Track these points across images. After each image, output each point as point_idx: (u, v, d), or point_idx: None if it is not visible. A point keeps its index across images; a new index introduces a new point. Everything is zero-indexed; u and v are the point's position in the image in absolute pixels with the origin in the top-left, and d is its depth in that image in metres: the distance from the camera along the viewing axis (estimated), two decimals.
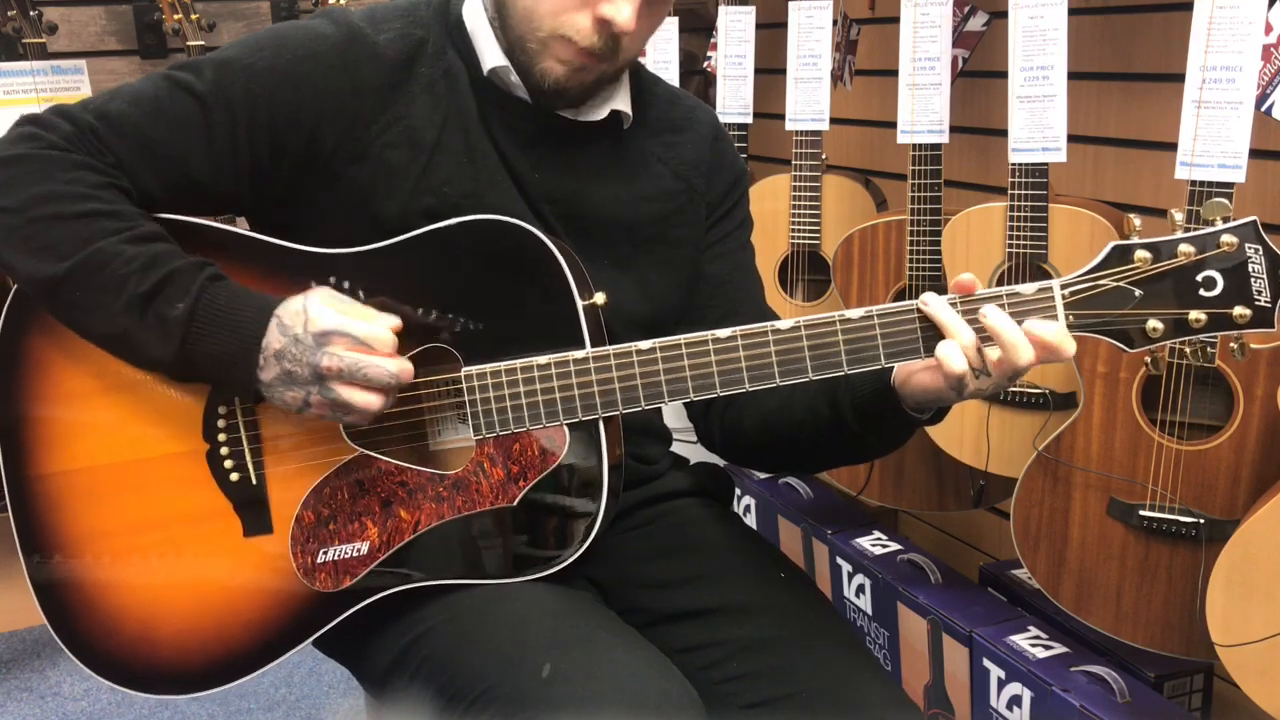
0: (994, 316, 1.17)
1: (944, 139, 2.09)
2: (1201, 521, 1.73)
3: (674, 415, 1.61)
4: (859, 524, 2.39)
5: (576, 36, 1.27)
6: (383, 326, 1.23)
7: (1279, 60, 1.61)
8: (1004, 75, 1.93)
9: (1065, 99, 1.88)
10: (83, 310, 1.24)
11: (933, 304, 1.18)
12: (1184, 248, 1.16)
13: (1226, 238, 1.15)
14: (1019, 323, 1.16)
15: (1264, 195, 1.88)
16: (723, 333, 1.23)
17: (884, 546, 2.29)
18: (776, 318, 1.37)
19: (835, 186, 2.42)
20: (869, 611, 2.24)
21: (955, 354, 1.17)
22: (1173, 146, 1.66)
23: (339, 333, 1.20)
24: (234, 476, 1.30)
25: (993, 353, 1.17)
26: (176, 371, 1.25)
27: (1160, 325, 1.17)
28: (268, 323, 1.22)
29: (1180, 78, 1.66)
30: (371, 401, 1.22)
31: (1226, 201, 1.38)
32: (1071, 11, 1.86)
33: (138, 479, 1.30)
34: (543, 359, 1.25)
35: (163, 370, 1.26)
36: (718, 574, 1.42)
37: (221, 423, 1.30)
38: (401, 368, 1.22)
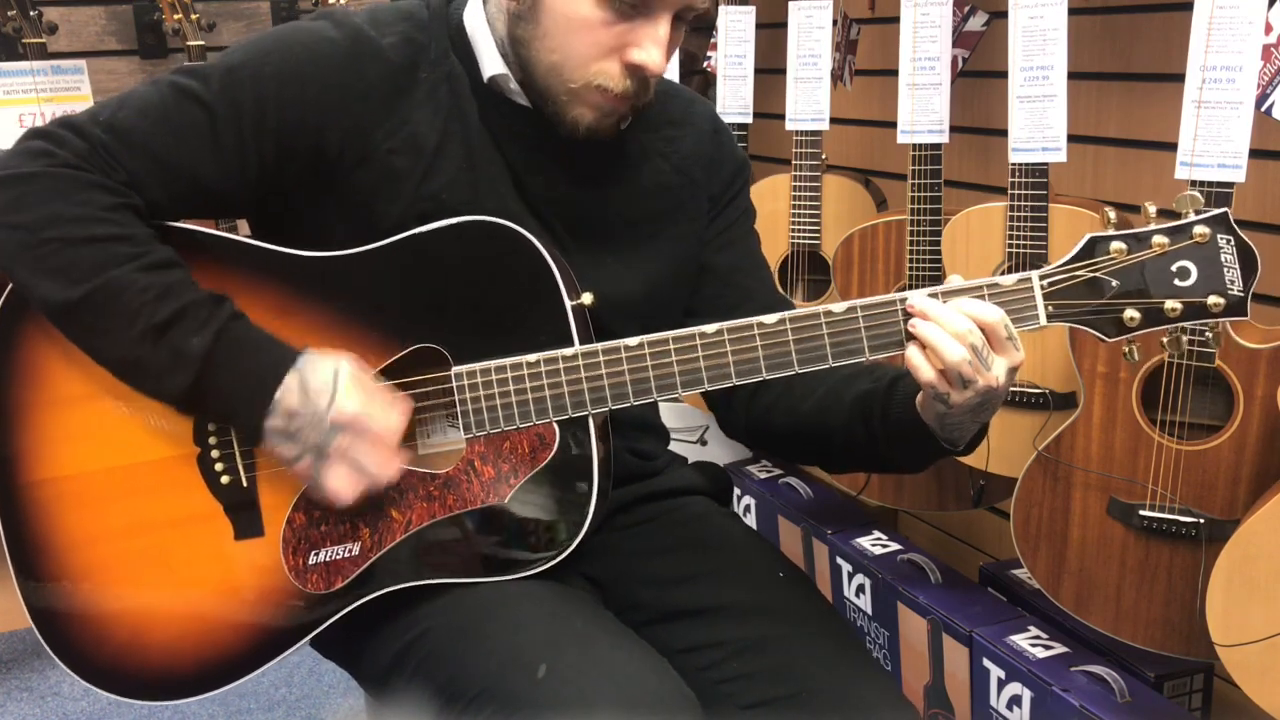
0: (921, 302, 1.19)
1: (944, 139, 2.09)
2: (1201, 521, 1.72)
3: (673, 415, 1.60)
4: (859, 524, 2.38)
5: (610, 84, 1.28)
6: (397, 422, 1.24)
7: (1279, 60, 1.61)
8: (1004, 75, 1.92)
9: (1065, 99, 1.87)
10: (95, 336, 1.24)
11: (920, 326, 1.20)
12: (1158, 239, 1.19)
13: (1199, 229, 1.18)
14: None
15: (1264, 195, 1.87)
16: (709, 329, 1.24)
17: (884, 546, 2.29)
18: (790, 304, 1.38)
19: (835, 186, 2.41)
20: (869, 611, 2.24)
21: (918, 357, 1.20)
22: (1173, 146, 1.66)
23: (359, 424, 1.22)
24: (224, 480, 1.30)
25: (955, 352, 1.18)
26: (183, 403, 1.26)
27: (1137, 314, 1.20)
28: (285, 374, 1.22)
29: (1180, 78, 1.65)
30: (348, 492, 1.24)
31: (1198, 194, 1.41)
32: (1071, 11, 1.86)
33: (129, 484, 1.30)
34: (532, 357, 1.25)
35: (169, 401, 1.26)
36: (717, 573, 1.43)
37: (212, 426, 1.30)
38: (391, 475, 1.25)
